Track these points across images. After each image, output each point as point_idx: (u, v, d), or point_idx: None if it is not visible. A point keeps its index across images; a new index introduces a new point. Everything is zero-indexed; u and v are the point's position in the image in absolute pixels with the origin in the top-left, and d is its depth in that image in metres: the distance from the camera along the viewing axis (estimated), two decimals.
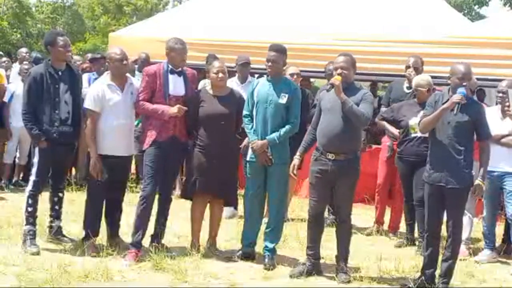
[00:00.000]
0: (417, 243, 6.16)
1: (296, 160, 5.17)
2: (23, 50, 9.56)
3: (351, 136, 4.97)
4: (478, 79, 6.72)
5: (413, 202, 6.07)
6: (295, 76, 6.63)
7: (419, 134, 5.75)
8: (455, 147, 4.75)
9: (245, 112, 5.46)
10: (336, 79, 4.92)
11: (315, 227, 5.18)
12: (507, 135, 5.77)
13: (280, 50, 5.38)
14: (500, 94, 5.87)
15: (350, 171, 5.01)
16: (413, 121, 5.87)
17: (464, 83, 4.77)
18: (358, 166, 5.12)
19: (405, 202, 6.32)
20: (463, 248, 5.73)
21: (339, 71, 4.98)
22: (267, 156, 5.30)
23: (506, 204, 5.77)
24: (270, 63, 5.34)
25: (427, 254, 4.94)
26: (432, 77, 6.30)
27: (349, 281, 4.95)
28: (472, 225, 6.18)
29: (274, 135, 5.29)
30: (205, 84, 6.47)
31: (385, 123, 6.44)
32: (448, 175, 4.74)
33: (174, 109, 5.29)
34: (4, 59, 9.21)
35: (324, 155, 5.01)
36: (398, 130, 6.27)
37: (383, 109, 6.66)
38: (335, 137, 4.94)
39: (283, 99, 5.30)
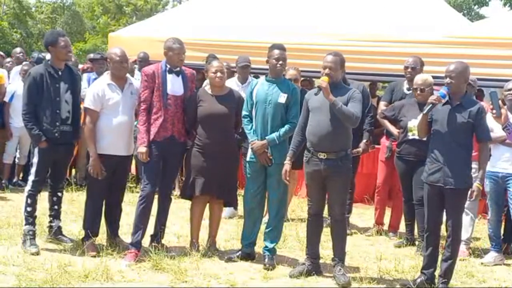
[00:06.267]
0: (417, 243, 6.15)
1: (286, 165, 5.12)
2: (17, 50, 9.55)
3: (341, 134, 4.95)
4: (477, 79, 6.72)
5: (412, 202, 6.06)
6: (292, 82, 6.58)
7: (416, 137, 5.66)
8: (454, 147, 4.74)
9: (244, 112, 5.45)
10: (324, 80, 4.90)
11: (315, 226, 5.18)
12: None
13: (284, 48, 5.42)
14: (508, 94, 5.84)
15: (342, 170, 4.99)
16: (412, 123, 5.86)
17: (448, 82, 4.75)
18: (350, 164, 5.11)
19: (405, 202, 6.31)
20: (463, 248, 5.73)
21: (327, 71, 4.96)
22: (267, 156, 5.30)
23: (510, 206, 5.74)
24: (281, 61, 5.33)
25: (427, 254, 4.93)
26: (432, 77, 6.29)
27: (349, 283, 4.92)
28: (474, 225, 6.16)
29: (274, 135, 5.29)
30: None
31: (386, 121, 6.43)
32: (447, 176, 4.73)
33: (141, 149, 5.28)
34: (8, 59, 9.19)
35: (316, 155, 4.99)
36: (398, 130, 6.26)
37: (383, 107, 6.63)
38: (325, 136, 4.93)
39: (283, 99, 5.30)
